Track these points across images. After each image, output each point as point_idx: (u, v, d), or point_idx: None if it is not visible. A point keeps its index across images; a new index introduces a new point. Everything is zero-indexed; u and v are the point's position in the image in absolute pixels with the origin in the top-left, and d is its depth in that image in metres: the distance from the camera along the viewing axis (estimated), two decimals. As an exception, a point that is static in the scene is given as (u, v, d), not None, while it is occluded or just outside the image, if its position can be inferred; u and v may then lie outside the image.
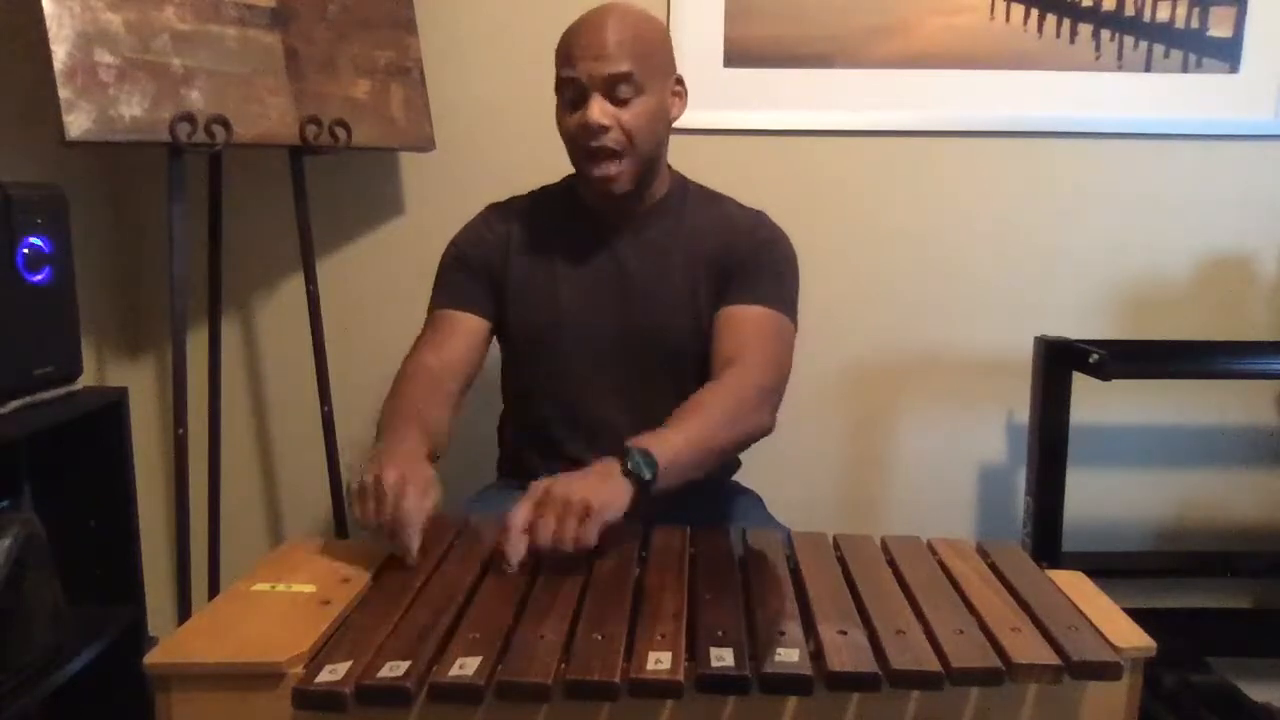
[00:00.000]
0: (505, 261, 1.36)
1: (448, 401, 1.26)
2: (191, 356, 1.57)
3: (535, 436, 1.39)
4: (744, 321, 1.30)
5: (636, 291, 1.33)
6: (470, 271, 1.37)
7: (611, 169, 1.26)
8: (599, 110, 1.23)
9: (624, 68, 1.23)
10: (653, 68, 1.26)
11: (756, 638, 0.87)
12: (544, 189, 1.43)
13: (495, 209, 1.42)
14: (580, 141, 1.26)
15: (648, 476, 1.03)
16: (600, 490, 1.00)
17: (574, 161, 1.31)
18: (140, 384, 1.86)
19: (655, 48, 1.27)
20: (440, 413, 1.24)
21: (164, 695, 0.87)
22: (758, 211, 1.39)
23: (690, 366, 1.33)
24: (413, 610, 0.93)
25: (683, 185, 1.40)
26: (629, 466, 1.03)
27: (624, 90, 1.24)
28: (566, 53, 1.26)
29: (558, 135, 1.30)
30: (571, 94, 1.26)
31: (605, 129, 1.24)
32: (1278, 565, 1.91)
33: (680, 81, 1.33)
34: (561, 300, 1.34)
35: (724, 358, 1.26)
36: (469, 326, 1.34)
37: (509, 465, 1.46)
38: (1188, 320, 1.88)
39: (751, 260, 1.33)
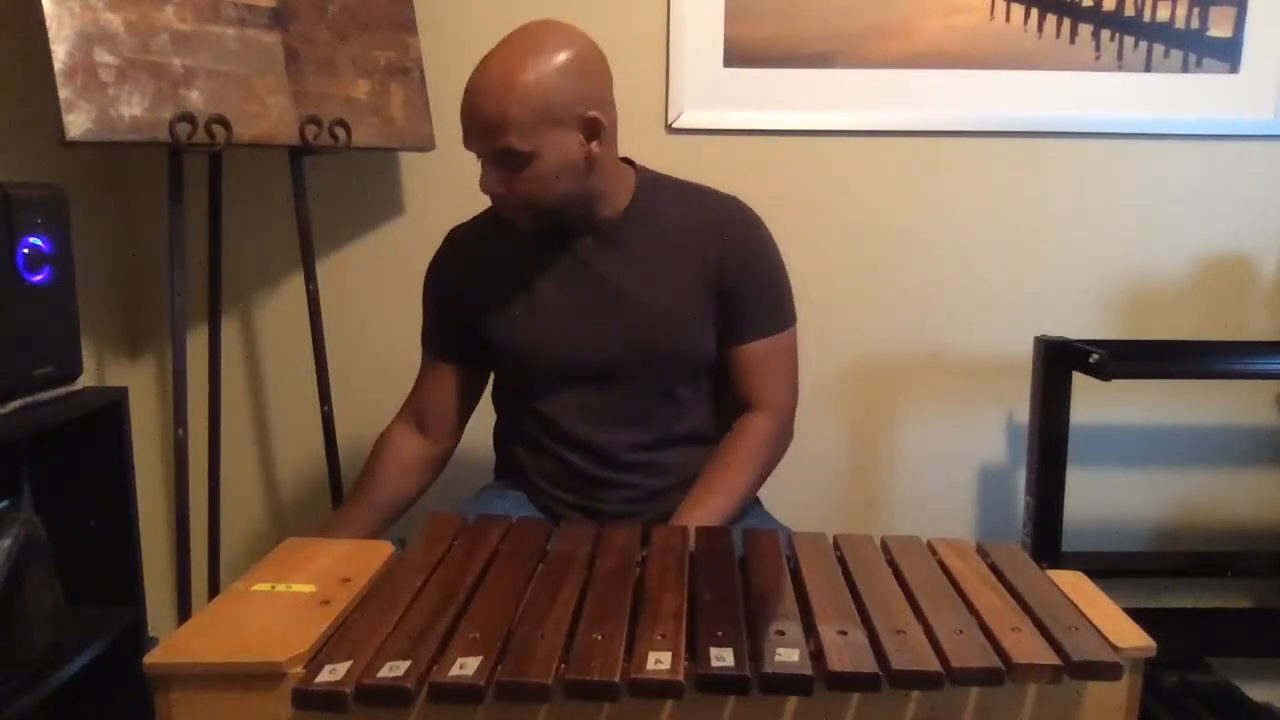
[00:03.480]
0: (476, 291, 1.35)
1: (414, 470, 1.40)
2: (191, 356, 1.57)
3: (528, 445, 1.39)
4: (755, 359, 1.33)
5: (620, 305, 1.30)
6: (441, 315, 1.40)
7: (516, 218, 1.29)
8: (489, 179, 1.22)
9: (500, 144, 1.18)
10: (537, 129, 1.17)
11: (756, 638, 0.87)
12: None
13: (457, 234, 1.40)
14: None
15: None
16: None
17: None
18: (140, 384, 1.86)
19: (536, 108, 1.17)
20: (404, 484, 1.39)
21: (164, 695, 0.87)
22: (732, 200, 1.35)
23: (679, 373, 1.33)
24: (413, 610, 0.93)
25: (651, 184, 1.33)
26: None
27: (511, 159, 1.19)
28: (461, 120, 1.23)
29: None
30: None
31: (498, 195, 1.24)
32: (1278, 565, 1.91)
33: (592, 120, 1.20)
34: (541, 319, 1.32)
35: (745, 399, 1.34)
36: (448, 375, 1.40)
37: (504, 469, 1.46)
38: (1188, 320, 1.88)
39: (747, 285, 1.31)
